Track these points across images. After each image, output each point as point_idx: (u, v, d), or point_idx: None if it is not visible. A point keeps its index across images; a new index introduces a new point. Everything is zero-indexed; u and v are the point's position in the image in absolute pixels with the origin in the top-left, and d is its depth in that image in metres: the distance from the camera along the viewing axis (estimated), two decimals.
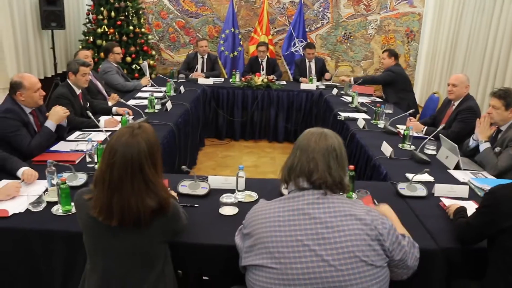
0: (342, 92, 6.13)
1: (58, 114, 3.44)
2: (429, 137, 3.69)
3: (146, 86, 6.03)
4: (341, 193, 1.75)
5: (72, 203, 2.32)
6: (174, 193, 2.50)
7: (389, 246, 1.68)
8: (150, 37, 7.81)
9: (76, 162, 3.13)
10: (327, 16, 8.16)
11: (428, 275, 2.16)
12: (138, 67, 7.29)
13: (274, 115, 6.54)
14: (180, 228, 2.02)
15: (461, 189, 2.76)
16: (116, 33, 7.16)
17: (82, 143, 3.44)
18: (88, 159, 3.10)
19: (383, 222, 1.69)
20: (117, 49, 5.93)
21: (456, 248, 2.19)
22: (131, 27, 7.19)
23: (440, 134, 3.64)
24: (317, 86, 6.60)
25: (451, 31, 7.01)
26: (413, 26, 8.16)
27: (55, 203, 2.42)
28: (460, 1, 6.76)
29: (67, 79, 4.20)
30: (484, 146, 3.26)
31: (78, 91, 4.21)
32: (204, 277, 2.45)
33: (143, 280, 1.84)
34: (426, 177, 2.99)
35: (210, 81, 6.57)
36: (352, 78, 6.35)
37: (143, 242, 1.81)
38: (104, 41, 6.91)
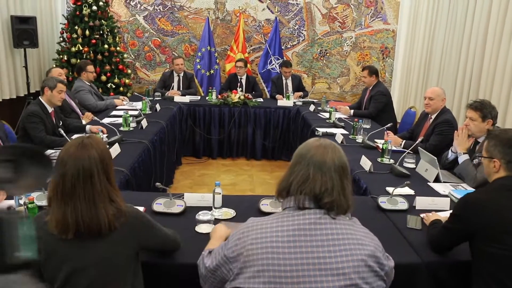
0: (320, 108, 6.11)
1: None
2: (407, 151, 3.67)
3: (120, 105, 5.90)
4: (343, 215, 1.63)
5: None
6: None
7: (388, 270, 1.61)
8: (125, 55, 7.71)
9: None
10: (302, 33, 8.21)
11: None
12: (114, 86, 7.19)
13: (251, 132, 6.46)
14: (157, 242, 1.96)
15: (442, 202, 2.73)
16: (91, 52, 7.04)
17: (53, 162, 3.30)
18: None
19: (379, 245, 1.62)
20: (90, 68, 5.81)
21: (440, 261, 2.15)
22: (106, 46, 7.07)
23: (418, 147, 3.63)
24: (294, 102, 6.58)
25: (425, 46, 7.11)
26: (388, 42, 8.26)
27: None
28: (433, 17, 6.88)
29: (40, 97, 4.09)
30: (463, 158, 3.25)
31: (50, 109, 4.09)
32: None
33: None
34: (407, 191, 2.95)
35: (186, 99, 6.48)
36: (351, 111, 5.92)
37: (105, 255, 1.75)
38: (78, 60, 6.79)
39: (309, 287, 1.46)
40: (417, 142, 3.77)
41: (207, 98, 6.73)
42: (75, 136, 4.02)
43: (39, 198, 2.55)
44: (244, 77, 7.14)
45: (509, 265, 1.89)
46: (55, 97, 4.09)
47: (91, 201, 1.72)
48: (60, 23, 7.53)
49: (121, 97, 6.21)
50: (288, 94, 6.78)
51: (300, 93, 7.03)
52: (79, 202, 1.71)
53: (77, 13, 7.01)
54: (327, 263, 1.49)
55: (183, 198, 2.69)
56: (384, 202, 2.73)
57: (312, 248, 1.51)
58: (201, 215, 2.38)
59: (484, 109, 3.27)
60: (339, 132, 4.59)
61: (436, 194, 2.98)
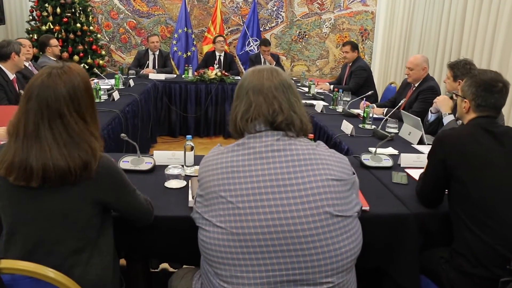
0: (299, 83, 5.97)
1: None
2: (387, 116, 3.53)
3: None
4: (303, 136, 1.51)
5: None
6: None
7: (356, 193, 1.47)
8: (99, 36, 7.42)
9: None
10: (281, 15, 8.03)
11: (402, 241, 1.97)
12: (87, 67, 6.90)
13: (229, 110, 6.22)
14: (125, 209, 1.69)
15: None
16: (63, 31, 6.72)
17: None
18: None
19: (348, 164, 1.47)
20: (54, 41, 5.44)
21: (428, 212, 2.03)
22: (78, 25, 6.77)
23: (401, 111, 3.50)
24: None
25: (404, 26, 7.00)
26: (367, 24, 8.14)
27: None
28: None
29: None
30: (448, 118, 3.10)
31: (12, 76, 3.84)
32: (152, 270, 2.24)
33: (73, 251, 1.53)
34: (390, 151, 2.83)
35: (162, 76, 6.26)
36: (331, 86, 5.76)
37: (70, 205, 1.50)
38: None
39: (269, 211, 1.34)
40: (399, 104, 3.64)
41: (183, 76, 6.52)
42: None
43: None
44: (222, 55, 6.96)
45: (486, 203, 1.80)
46: (21, 60, 3.88)
47: (60, 144, 1.44)
48: (29, 1, 7.21)
49: None
50: None
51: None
52: (46, 145, 1.43)
53: None
54: (287, 185, 1.37)
55: (152, 156, 2.51)
56: (367, 159, 2.58)
57: (269, 170, 1.38)
58: (171, 169, 2.20)
59: (455, 69, 3.20)
60: (319, 103, 4.44)
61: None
